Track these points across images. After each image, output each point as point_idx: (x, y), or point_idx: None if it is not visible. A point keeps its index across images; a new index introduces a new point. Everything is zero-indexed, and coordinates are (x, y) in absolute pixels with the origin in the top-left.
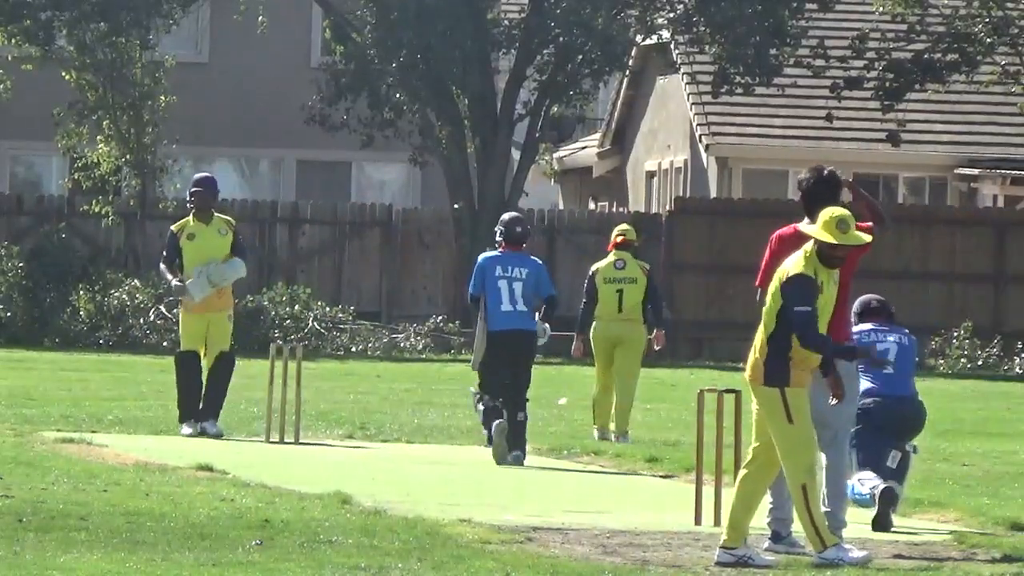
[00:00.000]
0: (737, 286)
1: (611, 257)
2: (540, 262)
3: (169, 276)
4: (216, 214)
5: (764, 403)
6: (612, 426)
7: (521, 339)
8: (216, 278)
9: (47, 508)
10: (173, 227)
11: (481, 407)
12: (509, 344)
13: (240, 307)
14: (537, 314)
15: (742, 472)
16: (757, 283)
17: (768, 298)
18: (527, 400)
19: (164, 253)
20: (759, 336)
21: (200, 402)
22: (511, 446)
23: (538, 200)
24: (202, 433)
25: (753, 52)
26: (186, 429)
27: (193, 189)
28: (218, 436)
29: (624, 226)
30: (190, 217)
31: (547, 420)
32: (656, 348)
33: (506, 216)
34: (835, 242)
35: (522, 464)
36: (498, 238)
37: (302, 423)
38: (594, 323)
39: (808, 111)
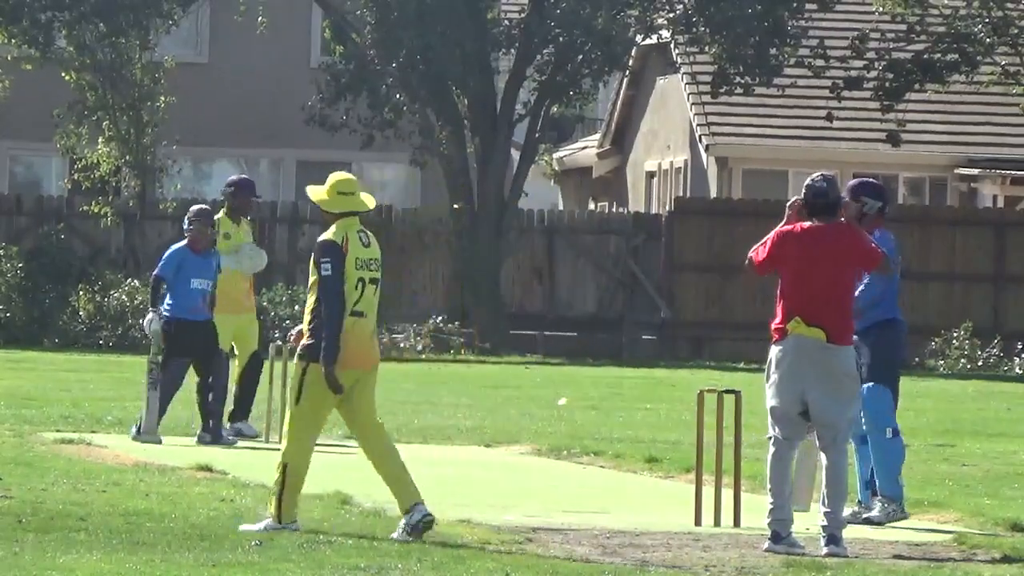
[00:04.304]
0: (737, 286)
1: None
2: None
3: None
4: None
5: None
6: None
7: (211, 326)
8: (255, 256)
9: (47, 508)
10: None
11: (154, 392)
12: (197, 332)
13: None
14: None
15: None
16: (756, 264)
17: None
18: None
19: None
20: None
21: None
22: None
23: (538, 200)
24: (239, 434)
25: (753, 52)
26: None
27: (233, 190)
28: (255, 436)
29: None
30: (223, 215)
31: (547, 420)
32: None
33: (195, 207)
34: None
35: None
36: (188, 227)
37: None
38: None
39: (808, 111)
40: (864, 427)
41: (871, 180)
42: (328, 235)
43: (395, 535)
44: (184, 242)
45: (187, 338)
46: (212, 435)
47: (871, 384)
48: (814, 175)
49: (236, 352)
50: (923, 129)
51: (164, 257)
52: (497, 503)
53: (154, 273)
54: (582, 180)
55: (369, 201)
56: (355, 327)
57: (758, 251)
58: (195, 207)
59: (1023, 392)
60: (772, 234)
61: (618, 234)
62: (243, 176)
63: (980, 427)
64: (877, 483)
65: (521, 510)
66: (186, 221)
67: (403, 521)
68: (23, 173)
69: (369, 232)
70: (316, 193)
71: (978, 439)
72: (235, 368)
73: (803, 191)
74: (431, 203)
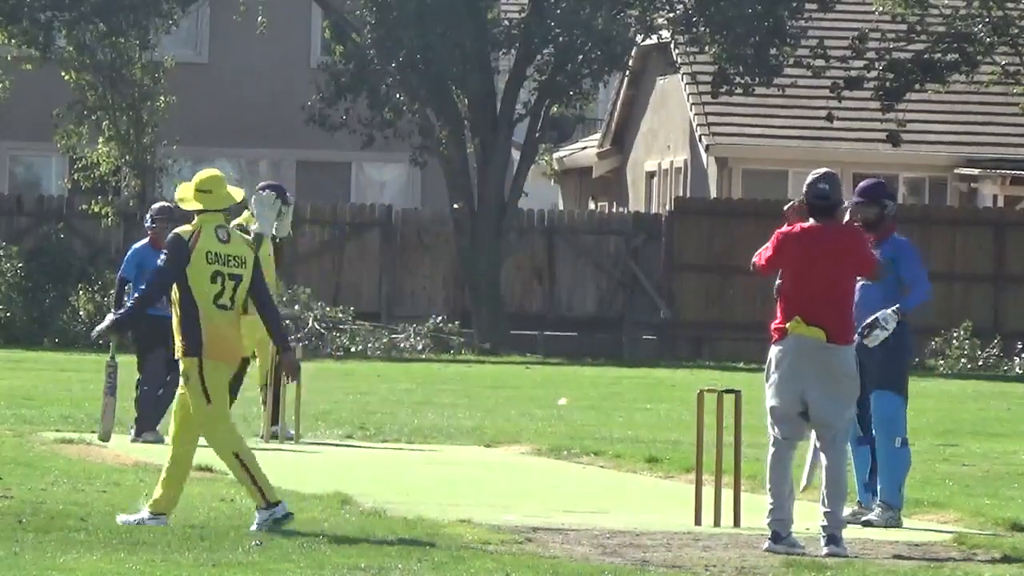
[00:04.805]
0: (737, 286)
1: None
2: None
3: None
4: None
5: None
6: None
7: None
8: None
9: (47, 508)
10: (240, 221)
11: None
12: (165, 328)
13: None
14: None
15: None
16: (760, 266)
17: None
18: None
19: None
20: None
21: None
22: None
23: (538, 200)
24: (285, 437)
25: (753, 52)
26: None
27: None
28: (290, 438)
29: None
30: (248, 216)
31: (547, 420)
32: None
33: (156, 205)
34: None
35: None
36: (151, 224)
37: (302, 423)
38: None
39: (808, 111)
40: (863, 431)
41: (882, 181)
42: (179, 228)
43: (127, 518)
44: (145, 240)
45: (154, 332)
46: (134, 432)
47: (882, 391)
48: (815, 172)
49: (257, 357)
50: (923, 129)
51: (126, 257)
52: (497, 503)
53: (118, 275)
54: (582, 180)
55: (236, 194)
56: (222, 319)
57: (760, 255)
58: (156, 205)
59: (1023, 392)
60: (773, 237)
61: (618, 234)
62: (273, 182)
63: (980, 427)
64: (879, 488)
65: (521, 510)
66: (148, 219)
67: (146, 511)
68: (23, 173)
69: (233, 231)
70: (179, 191)
71: (978, 439)
72: (258, 373)
73: (804, 190)
74: (431, 203)
